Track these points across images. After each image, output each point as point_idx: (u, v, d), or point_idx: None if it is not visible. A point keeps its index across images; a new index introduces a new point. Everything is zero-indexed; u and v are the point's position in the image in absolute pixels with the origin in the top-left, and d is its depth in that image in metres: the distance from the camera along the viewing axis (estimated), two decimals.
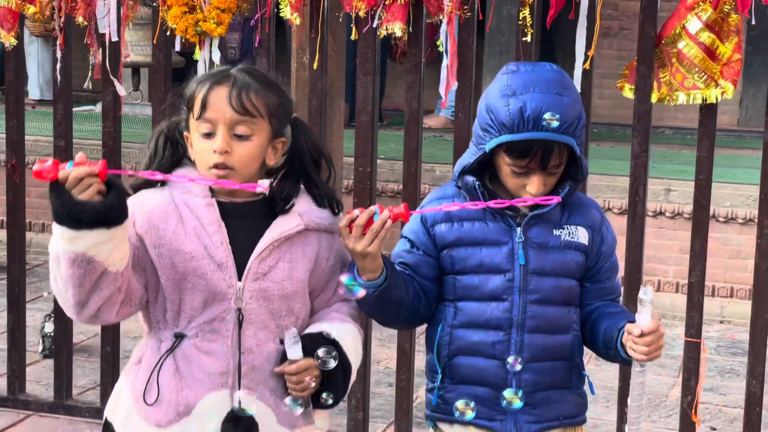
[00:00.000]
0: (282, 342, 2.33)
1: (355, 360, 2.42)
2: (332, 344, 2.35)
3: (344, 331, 2.42)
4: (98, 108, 7.90)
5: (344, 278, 2.34)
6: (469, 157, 2.47)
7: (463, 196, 2.50)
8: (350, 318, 2.47)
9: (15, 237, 4.05)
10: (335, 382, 2.35)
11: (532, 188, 2.40)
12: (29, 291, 4.39)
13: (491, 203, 2.38)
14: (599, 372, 5.22)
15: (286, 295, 2.35)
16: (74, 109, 8.07)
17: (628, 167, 3.58)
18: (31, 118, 4.06)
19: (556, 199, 2.39)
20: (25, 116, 4.07)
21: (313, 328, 2.39)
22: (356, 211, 2.30)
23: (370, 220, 2.28)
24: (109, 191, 2.11)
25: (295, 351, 2.30)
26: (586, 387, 2.65)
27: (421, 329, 2.66)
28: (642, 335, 2.34)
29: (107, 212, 2.10)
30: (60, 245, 2.12)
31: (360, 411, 3.86)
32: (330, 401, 2.35)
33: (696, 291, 3.55)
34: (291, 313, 2.37)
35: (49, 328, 4.57)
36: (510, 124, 2.36)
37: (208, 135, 2.29)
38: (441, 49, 3.57)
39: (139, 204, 2.29)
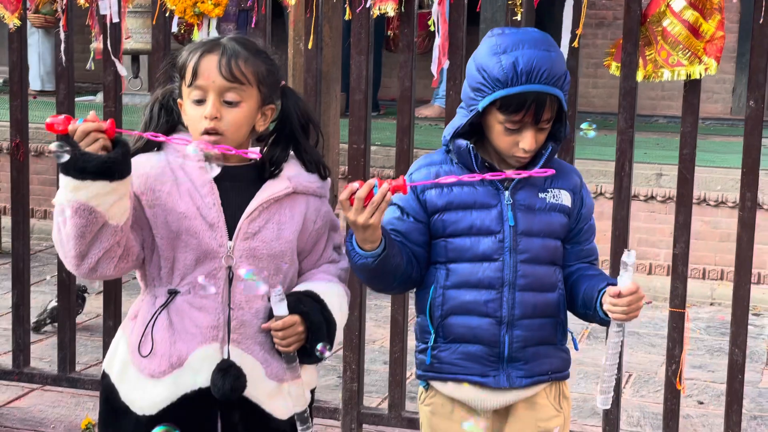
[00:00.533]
0: (270, 300, 2.44)
1: (340, 317, 2.53)
2: (318, 302, 2.46)
3: (329, 289, 2.53)
4: (99, 98, 8.01)
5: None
6: (460, 119, 2.58)
7: (451, 161, 2.60)
8: (336, 278, 2.58)
9: (19, 214, 4.16)
10: (320, 337, 2.45)
11: (525, 144, 2.51)
12: (32, 275, 4.49)
13: (488, 176, 2.48)
14: (590, 351, 5.34)
15: (274, 255, 2.46)
16: (75, 99, 8.18)
17: None
18: (32, 108, 4.18)
19: (550, 172, 2.50)
20: (28, 98, 4.17)
21: (299, 287, 2.51)
22: (355, 184, 2.38)
23: (370, 193, 2.37)
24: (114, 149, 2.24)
25: (280, 308, 2.41)
26: (569, 344, 2.76)
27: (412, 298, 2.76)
28: (621, 296, 2.45)
29: (110, 165, 2.22)
30: (65, 195, 2.24)
31: (355, 382, 3.96)
32: (323, 352, 2.45)
33: (680, 262, 3.66)
34: (279, 271, 2.48)
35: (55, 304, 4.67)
36: (504, 79, 2.46)
37: (199, 102, 2.40)
38: (432, 29, 3.68)
39: (136, 166, 2.39)
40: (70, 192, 2.24)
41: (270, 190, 2.46)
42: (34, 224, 6.59)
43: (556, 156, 2.65)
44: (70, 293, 4.18)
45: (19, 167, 4.15)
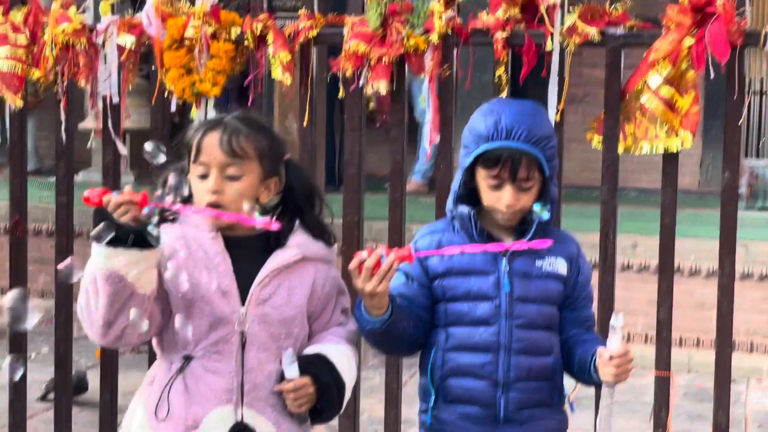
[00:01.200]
0: (282, 362, 2.56)
1: (348, 377, 2.66)
2: (327, 364, 2.58)
3: (338, 351, 2.65)
4: (80, 176, 8.11)
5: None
6: (456, 182, 2.73)
7: (454, 227, 2.75)
8: (344, 340, 2.71)
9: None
10: (330, 399, 2.58)
11: (505, 200, 2.65)
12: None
13: (489, 246, 2.62)
14: (585, 389, 5.42)
15: (285, 320, 2.59)
16: (52, 179, 8.24)
17: (596, 225, 3.84)
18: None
19: (548, 243, 2.64)
20: (27, 176, 4.28)
21: (309, 350, 2.63)
22: (364, 254, 2.52)
23: (378, 263, 2.50)
24: None
25: (291, 370, 2.54)
26: (566, 407, 2.88)
27: (410, 367, 2.88)
28: (611, 358, 2.57)
29: (143, 235, 2.34)
30: (96, 263, 2.36)
31: None
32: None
33: (664, 327, 3.80)
34: (290, 335, 2.61)
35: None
36: (486, 135, 2.64)
37: (203, 176, 2.55)
38: (423, 105, 3.84)
39: None
40: (103, 260, 2.36)
41: (280, 257, 2.59)
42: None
43: (552, 224, 2.79)
44: (67, 369, 4.25)
45: (17, 244, 4.24)
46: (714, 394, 3.81)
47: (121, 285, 2.37)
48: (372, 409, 5.53)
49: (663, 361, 3.81)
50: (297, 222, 2.66)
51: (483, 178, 2.67)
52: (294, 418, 2.58)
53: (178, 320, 2.53)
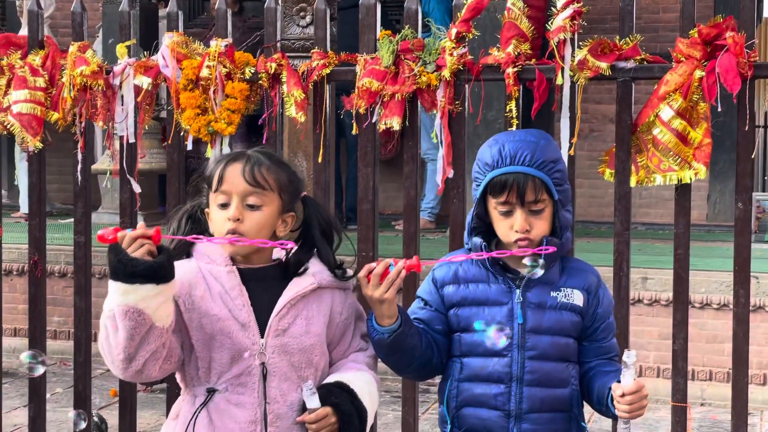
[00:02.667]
0: (302, 392, 2.59)
1: (370, 403, 2.68)
2: (347, 392, 2.61)
3: (359, 378, 2.69)
4: (92, 218, 8.16)
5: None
6: (470, 214, 2.78)
7: (471, 260, 2.79)
8: (365, 366, 2.74)
9: (36, 329, 4.27)
10: (352, 427, 2.61)
11: (516, 225, 2.69)
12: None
13: (494, 254, 2.68)
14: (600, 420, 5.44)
15: (304, 349, 2.62)
16: (62, 221, 8.26)
17: (605, 259, 3.87)
18: (23, 229, 4.43)
19: (551, 249, 2.67)
20: (46, 217, 4.33)
21: (329, 378, 2.66)
22: (373, 264, 2.60)
23: (386, 271, 2.57)
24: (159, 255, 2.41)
25: (312, 401, 2.57)
26: None
27: (422, 405, 2.91)
28: (624, 395, 2.59)
29: (157, 268, 2.39)
30: (114, 299, 2.40)
31: None
32: None
33: (680, 358, 3.81)
34: (310, 364, 2.64)
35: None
36: (492, 163, 2.70)
37: (224, 205, 2.60)
38: (435, 140, 3.89)
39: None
40: (119, 296, 2.39)
41: (296, 287, 2.64)
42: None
43: (572, 256, 2.82)
44: (86, 408, 4.27)
45: (36, 283, 4.28)
46: (731, 424, 3.82)
47: (140, 319, 2.40)
48: None
49: (679, 392, 3.82)
50: (314, 253, 2.71)
51: (494, 208, 2.73)
52: None
53: (199, 354, 2.56)
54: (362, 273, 2.59)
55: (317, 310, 2.66)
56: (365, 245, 3.98)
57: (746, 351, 3.78)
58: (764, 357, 6.56)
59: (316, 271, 2.68)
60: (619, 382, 2.63)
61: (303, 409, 2.60)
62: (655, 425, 5.94)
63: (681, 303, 3.83)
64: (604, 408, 2.74)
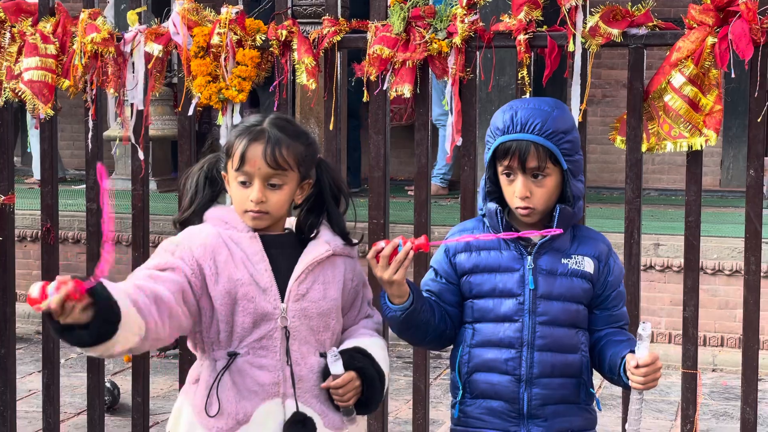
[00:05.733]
0: (321, 355, 2.66)
1: (386, 368, 2.75)
2: (367, 357, 2.69)
3: (374, 344, 2.76)
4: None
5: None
6: (482, 180, 2.79)
7: (484, 225, 2.79)
8: (375, 332, 2.82)
9: None
10: (374, 390, 2.68)
11: (517, 191, 2.70)
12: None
13: (502, 235, 2.69)
14: (611, 388, 5.46)
15: (322, 313, 2.68)
16: (76, 188, 8.29)
17: (617, 225, 3.87)
18: (37, 195, 4.43)
19: (557, 231, 2.68)
20: (58, 184, 4.34)
21: (347, 344, 2.72)
22: (381, 243, 2.60)
23: (394, 251, 2.57)
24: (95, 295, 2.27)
25: (337, 367, 2.63)
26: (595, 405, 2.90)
27: (434, 370, 2.93)
28: (639, 367, 2.60)
29: (96, 335, 2.29)
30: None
31: None
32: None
33: (690, 325, 3.82)
34: (327, 328, 2.70)
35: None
36: (503, 128, 2.71)
37: (245, 183, 2.62)
38: (446, 108, 3.88)
39: (193, 237, 2.63)
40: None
41: (312, 253, 2.69)
42: None
43: (583, 224, 2.82)
44: (100, 373, 4.30)
45: (49, 251, 4.30)
46: (741, 390, 3.83)
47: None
48: (398, 410, 5.58)
49: (690, 359, 3.83)
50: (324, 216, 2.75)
51: (500, 173, 2.73)
52: (340, 411, 2.67)
53: (222, 318, 2.58)
54: (370, 254, 2.60)
55: (332, 276, 2.70)
56: (377, 213, 3.99)
57: (757, 318, 3.78)
58: None
59: (329, 238, 2.73)
60: (632, 352, 2.64)
61: (324, 374, 2.65)
62: (666, 391, 5.96)
63: (691, 270, 3.83)
64: (616, 378, 2.75)
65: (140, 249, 4.18)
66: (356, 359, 2.66)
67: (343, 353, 2.66)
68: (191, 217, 2.70)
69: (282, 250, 2.68)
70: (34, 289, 2.20)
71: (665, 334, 6.61)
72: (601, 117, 9.22)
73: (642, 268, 6.63)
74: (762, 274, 6.37)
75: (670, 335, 6.60)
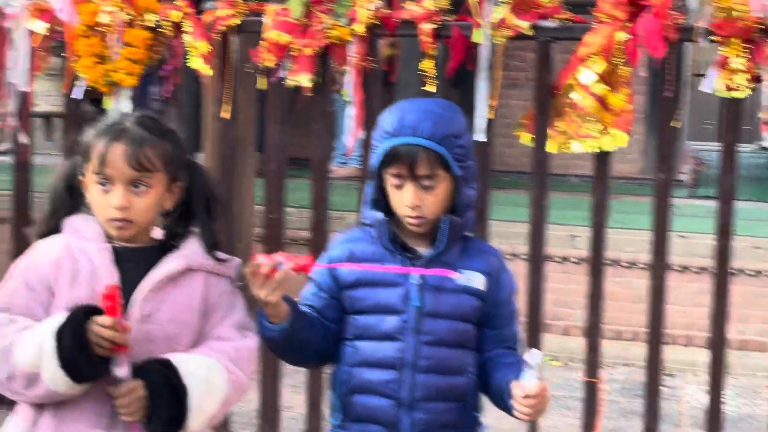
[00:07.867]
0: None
1: (199, 386, 2.37)
2: (167, 367, 2.33)
3: (193, 360, 2.39)
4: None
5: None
6: (368, 186, 2.57)
7: (369, 235, 2.58)
8: (215, 352, 2.43)
9: None
10: (162, 403, 2.33)
11: (406, 199, 2.48)
12: None
13: (390, 268, 2.47)
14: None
15: (169, 337, 2.37)
16: None
17: (521, 214, 3.73)
18: None
19: (454, 274, 2.48)
20: None
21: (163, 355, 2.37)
22: (261, 258, 2.34)
23: (273, 269, 2.33)
24: None
25: (121, 371, 2.30)
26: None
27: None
28: (527, 397, 2.39)
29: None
30: (58, 384, 2.29)
31: None
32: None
33: (593, 333, 3.70)
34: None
35: None
36: (392, 132, 2.48)
37: (105, 187, 2.36)
38: (346, 99, 3.69)
39: (41, 253, 2.36)
40: (63, 386, 2.30)
41: (164, 268, 2.40)
42: None
43: (474, 236, 2.63)
44: None
45: None
46: (644, 385, 3.73)
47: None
48: (300, 406, 5.40)
49: (593, 369, 3.71)
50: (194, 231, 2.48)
51: (388, 180, 2.52)
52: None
53: None
54: (249, 269, 2.36)
55: (188, 296, 2.41)
56: (272, 207, 3.80)
57: (661, 311, 3.68)
58: (689, 318, 6.51)
59: (188, 252, 2.43)
60: (519, 381, 2.43)
61: None
62: (576, 386, 5.86)
63: (596, 276, 3.74)
64: (502, 403, 2.54)
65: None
66: (151, 372, 2.31)
67: (150, 361, 2.33)
68: (51, 232, 2.43)
69: (136, 264, 2.39)
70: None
71: (579, 327, 6.50)
72: (524, 101, 9.07)
73: (558, 260, 6.55)
74: (678, 268, 6.33)
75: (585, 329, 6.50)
